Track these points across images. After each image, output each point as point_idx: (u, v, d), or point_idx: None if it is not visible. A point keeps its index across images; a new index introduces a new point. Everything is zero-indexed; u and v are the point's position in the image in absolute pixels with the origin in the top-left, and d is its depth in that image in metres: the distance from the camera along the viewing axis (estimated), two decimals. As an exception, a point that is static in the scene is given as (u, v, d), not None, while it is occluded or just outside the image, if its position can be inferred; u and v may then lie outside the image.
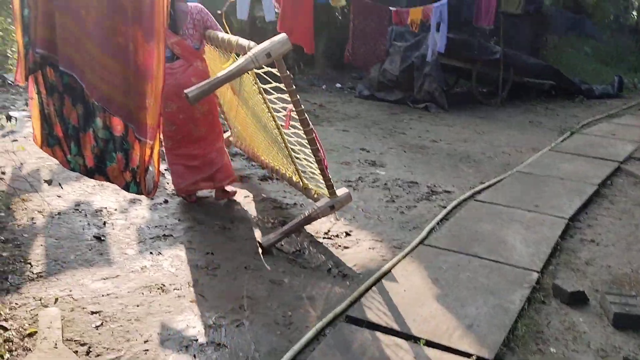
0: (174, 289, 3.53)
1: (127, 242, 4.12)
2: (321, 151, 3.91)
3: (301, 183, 4.55)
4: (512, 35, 10.70)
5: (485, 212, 4.93)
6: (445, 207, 5.09)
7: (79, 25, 2.75)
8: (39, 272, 3.61)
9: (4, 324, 3.05)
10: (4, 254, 3.81)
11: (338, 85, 12.44)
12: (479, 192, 5.56)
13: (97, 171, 3.03)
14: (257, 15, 11.92)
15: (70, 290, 3.44)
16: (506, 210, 4.96)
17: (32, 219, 4.39)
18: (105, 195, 4.93)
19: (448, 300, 3.45)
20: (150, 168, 2.96)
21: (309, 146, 3.93)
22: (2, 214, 4.45)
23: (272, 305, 3.41)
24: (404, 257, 4.02)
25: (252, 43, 3.50)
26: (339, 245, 4.27)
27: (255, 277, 3.73)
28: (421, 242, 4.30)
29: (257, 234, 4.36)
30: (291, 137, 4.24)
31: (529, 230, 4.53)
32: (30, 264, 3.72)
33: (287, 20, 7.59)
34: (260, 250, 4.07)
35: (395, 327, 3.16)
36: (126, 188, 3.07)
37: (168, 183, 5.40)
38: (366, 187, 5.63)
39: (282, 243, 4.21)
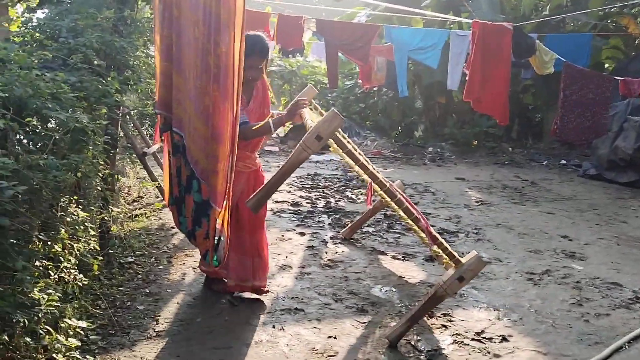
0: (278, 373, 3.20)
1: (257, 311, 3.94)
2: (422, 220, 3.34)
3: (430, 248, 3.92)
4: None
5: None
6: (648, 321, 3.98)
7: (186, 86, 2.71)
8: (160, 331, 3.58)
9: (99, 381, 3.02)
10: (140, 307, 3.89)
11: (563, 161, 11.23)
12: None
13: (192, 235, 2.91)
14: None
15: (178, 356, 3.32)
16: None
17: (184, 274, 4.48)
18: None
19: None
20: (222, 238, 2.74)
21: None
22: (161, 267, 4.63)
23: (374, 414, 2.88)
24: (564, 381, 3.15)
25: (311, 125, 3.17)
26: (488, 352, 3.53)
27: (370, 375, 3.22)
28: (597, 364, 3.35)
29: (394, 322, 3.83)
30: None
31: None
32: (157, 320, 3.72)
33: (474, 89, 7.02)
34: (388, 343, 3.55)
35: None
36: (204, 256, 2.88)
37: (327, 252, 5.18)
38: (551, 283, 4.71)
39: (418, 338, 3.63)
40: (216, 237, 2.75)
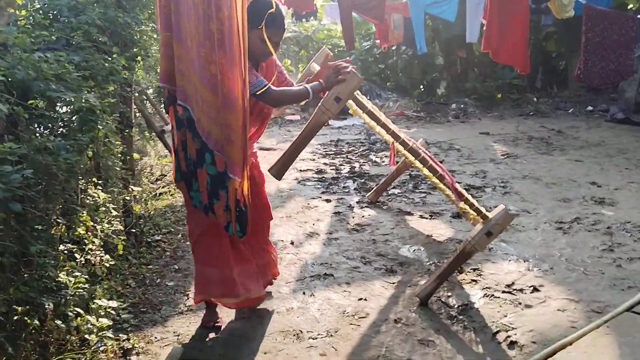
0: (309, 338, 3.19)
1: (287, 278, 3.93)
2: (447, 177, 3.26)
3: (456, 205, 3.83)
4: None
5: None
6: (685, 262, 3.88)
7: (189, 55, 2.65)
8: (191, 306, 3.60)
9: (133, 358, 3.05)
10: (170, 284, 3.92)
11: (589, 108, 10.92)
12: None
13: (210, 209, 2.87)
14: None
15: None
16: None
17: (211, 248, 4.49)
18: (288, 228, 4.88)
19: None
20: (243, 208, 2.70)
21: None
22: (188, 243, 4.64)
23: (407, 372, 2.86)
24: (599, 326, 3.08)
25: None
26: (520, 303, 3.48)
27: (402, 334, 3.19)
28: (631, 307, 3.26)
29: (424, 281, 3.80)
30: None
31: None
32: (187, 295, 3.75)
33: (492, 39, 6.82)
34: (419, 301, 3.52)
35: None
36: (226, 228, 2.85)
37: (353, 217, 5.14)
38: (581, 230, 4.61)
39: (449, 294, 3.59)
40: (238, 208, 2.71)
